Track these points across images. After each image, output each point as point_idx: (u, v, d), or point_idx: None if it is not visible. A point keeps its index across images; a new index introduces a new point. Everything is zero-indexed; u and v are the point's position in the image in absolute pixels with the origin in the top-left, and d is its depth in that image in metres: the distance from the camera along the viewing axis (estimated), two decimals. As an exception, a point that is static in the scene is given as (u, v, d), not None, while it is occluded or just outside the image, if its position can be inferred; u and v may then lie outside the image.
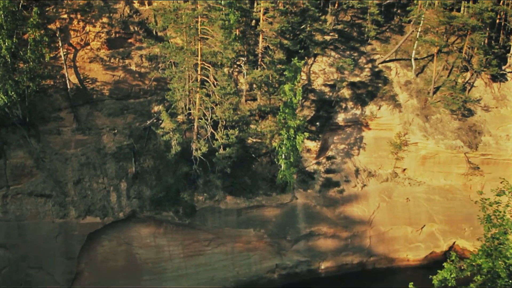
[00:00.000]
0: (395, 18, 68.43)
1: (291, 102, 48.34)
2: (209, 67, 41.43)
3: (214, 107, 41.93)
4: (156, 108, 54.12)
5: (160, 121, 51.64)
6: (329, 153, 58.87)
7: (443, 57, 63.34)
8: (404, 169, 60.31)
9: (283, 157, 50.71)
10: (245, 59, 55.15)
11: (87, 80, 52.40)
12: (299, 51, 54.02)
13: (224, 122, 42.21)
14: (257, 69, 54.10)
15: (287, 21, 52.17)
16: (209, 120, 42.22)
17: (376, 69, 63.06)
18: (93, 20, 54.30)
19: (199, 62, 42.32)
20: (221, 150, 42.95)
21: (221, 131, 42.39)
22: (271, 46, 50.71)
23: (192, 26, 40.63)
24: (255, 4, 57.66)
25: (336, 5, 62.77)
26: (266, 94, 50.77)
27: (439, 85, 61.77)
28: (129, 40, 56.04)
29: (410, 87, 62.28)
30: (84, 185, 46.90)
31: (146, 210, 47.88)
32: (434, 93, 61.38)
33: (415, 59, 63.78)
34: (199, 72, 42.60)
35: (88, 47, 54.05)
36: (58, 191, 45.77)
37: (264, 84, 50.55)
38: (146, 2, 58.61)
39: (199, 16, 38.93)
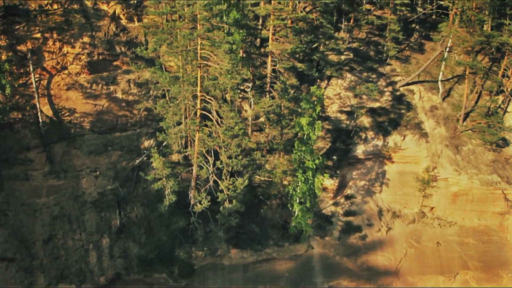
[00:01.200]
0: (414, 34, 59.47)
1: (309, 139, 38.94)
2: (211, 99, 31.94)
3: (218, 150, 32.45)
4: (146, 143, 44.38)
5: (152, 160, 42.06)
6: (348, 191, 49.36)
7: (470, 77, 54.41)
8: (432, 208, 50.96)
9: (298, 201, 41.27)
10: (251, 84, 45.79)
11: (63, 112, 42.47)
12: (313, 74, 44.79)
13: (230, 168, 32.66)
14: (265, 96, 44.68)
15: (300, 41, 42.90)
16: (211, 167, 32.60)
17: (398, 93, 53.80)
18: (72, 40, 44.59)
19: (198, 94, 32.79)
20: (226, 203, 33.22)
21: (226, 179, 32.75)
22: (282, 69, 41.38)
23: (190, 49, 31.25)
24: (260, 20, 48.49)
25: (352, 21, 53.62)
26: (277, 127, 41.28)
27: (468, 111, 52.77)
28: (115, 63, 46.39)
29: (436, 113, 53.05)
30: (56, 243, 36.79)
31: (134, 272, 37.82)
32: (464, 120, 52.28)
33: (441, 80, 54.79)
34: (198, 106, 33.10)
35: (66, 71, 44.15)
36: (24, 252, 35.56)
37: (274, 114, 41.12)
38: (135, 18, 49.11)
39: (199, 38, 29.59)
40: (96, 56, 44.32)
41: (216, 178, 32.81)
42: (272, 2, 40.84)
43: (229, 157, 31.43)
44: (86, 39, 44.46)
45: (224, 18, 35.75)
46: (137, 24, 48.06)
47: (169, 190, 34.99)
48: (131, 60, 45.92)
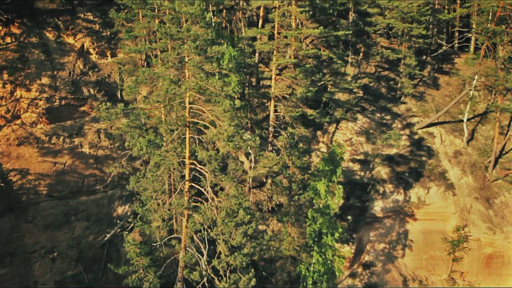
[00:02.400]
0: (426, 67, 51.70)
1: (328, 208, 30.09)
2: (203, 170, 22.77)
3: (215, 236, 23.05)
4: (120, 210, 34.72)
5: (127, 229, 32.28)
6: (366, 258, 40.32)
7: (495, 117, 46.64)
8: (463, 273, 42.29)
9: (312, 282, 32.01)
10: (249, 132, 36.80)
11: (12, 174, 32.98)
12: (326, 120, 36.12)
13: (233, 265, 23.26)
14: (267, 148, 35.66)
15: (310, 82, 34.22)
16: (204, 264, 22.99)
17: (416, 137, 45.50)
18: (28, 82, 35.02)
19: (187, 162, 23.63)
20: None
21: (225, 276, 23.22)
22: (289, 118, 32.59)
23: (176, 101, 22.20)
24: (256, 54, 39.79)
25: (361, 54, 45.44)
26: (284, 192, 32.18)
27: (497, 156, 44.75)
28: (81, 109, 36.91)
29: (461, 160, 44.80)
30: None
31: None
32: (494, 167, 44.21)
33: (460, 120, 46.78)
34: (187, 177, 23.75)
35: (18, 121, 34.47)
36: None
37: (282, 176, 32.12)
38: (108, 53, 39.88)
39: (188, 90, 20.67)
40: (57, 101, 34.73)
41: (211, 275, 23.28)
42: (276, 36, 32.23)
43: (231, 249, 22.04)
44: (45, 80, 34.93)
45: (222, 62, 27.00)
46: (110, 60, 38.79)
47: (148, 284, 25.28)
48: (102, 103, 36.46)
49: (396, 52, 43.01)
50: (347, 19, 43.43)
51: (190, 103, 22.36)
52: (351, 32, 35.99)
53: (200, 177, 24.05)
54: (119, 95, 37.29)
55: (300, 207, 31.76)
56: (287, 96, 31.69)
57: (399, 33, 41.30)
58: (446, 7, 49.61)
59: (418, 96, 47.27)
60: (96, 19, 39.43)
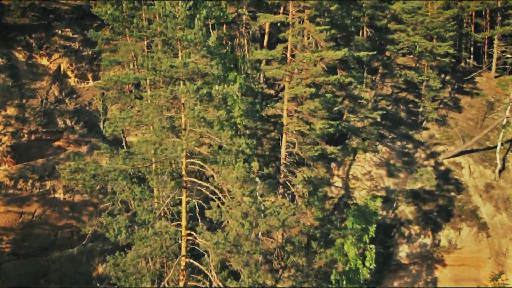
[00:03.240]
0: (446, 86, 46.11)
1: (357, 273, 24.12)
2: (205, 244, 16.78)
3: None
4: (101, 268, 28.42)
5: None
6: (391, 313, 34.46)
7: (525, 145, 41.11)
8: (499, 326, 36.52)
9: None
10: (257, 173, 30.74)
11: (-34, 229, 26.40)
12: (348, 157, 30.33)
13: None
14: (277, 191, 29.53)
15: (329, 113, 28.24)
16: None
17: (442, 168, 39.75)
18: (-11, 112, 28.88)
19: (183, 233, 17.58)
20: None
21: None
22: (305, 156, 26.58)
23: (169, 157, 16.35)
24: (261, 75, 33.93)
25: (378, 76, 39.62)
26: (301, 251, 25.89)
27: (532, 189, 39.13)
28: (56, 144, 30.73)
29: (493, 194, 39.07)
30: None
31: None
32: (531, 203, 38.57)
33: (488, 148, 41.21)
34: (183, 252, 17.72)
35: (-24, 162, 28.41)
36: None
37: (300, 233, 26.02)
38: (89, 76, 33.69)
39: (185, 151, 14.87)
40: (25, 135, 28.44)
41: None
42: (289, 59, 26.29)
43: None
44: (11, 111, 28.65)
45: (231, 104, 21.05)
46: (92, 84, 32.63)
47: None
48: (82, 136, 30.28)
49: (419, 73, 37.29)
50: (360, 35, 37.72)
51: (188, 155, 16.30)
52: (375, 53, 30.21)
53: (200, 250, 17.92)
54: (101, 126, 31.08)
55: (320, 267, 25.73)
56: (305, 131, 25.73)
57: (424, 52, 35.58)
58: (471, 21, 44.12)
59: (440, 120, 41.54)
60: (76, 35, 33.25)
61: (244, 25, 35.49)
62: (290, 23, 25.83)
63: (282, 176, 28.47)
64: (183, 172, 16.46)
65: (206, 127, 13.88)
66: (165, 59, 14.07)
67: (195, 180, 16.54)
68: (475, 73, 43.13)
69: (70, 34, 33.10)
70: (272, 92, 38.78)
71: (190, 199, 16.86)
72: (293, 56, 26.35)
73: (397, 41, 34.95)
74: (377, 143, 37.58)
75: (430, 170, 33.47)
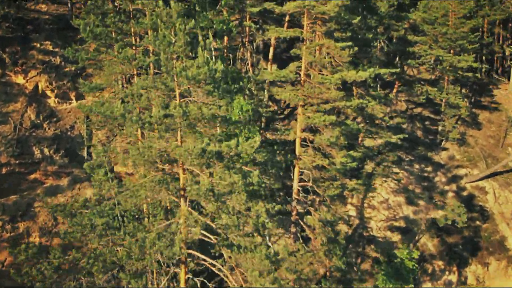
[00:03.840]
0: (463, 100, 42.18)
1: None
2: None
3: None
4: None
5: None
6: None
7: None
8: None
9: None
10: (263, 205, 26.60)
11: None
12: (359, 190, 26.30)
13: None
14: (289, 230, 25.33)
15: (348, 141, 24.20)
16: None
17: (465, 193, 35.99)
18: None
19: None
20: None
21: None
22: (323, 194, 22.49)
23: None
24: (266, 93, 29.87)
25: (394, 92, 35.58)
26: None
27: None
28: (32, 177, 26.34)
29: (521, 223, 35.49)
30: None
31: None
32: (563, 232, 34.83)
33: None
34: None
35: None
36: None
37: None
38: (72, 95, 29.33)
39: (182, 244, 10.94)
40: (-6, 168, 24.19)
41: None
42: (303, 79, 22.27)
43: None
44: (-23, 140, 24.38)
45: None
46: (75, 105, 28.33)
47: None
48: (61, 167, 25.92)
49: (439, 89, 33.41)
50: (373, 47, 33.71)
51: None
52: (398, 70, 26.27)
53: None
54: (85, 154, 26.77)
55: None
56: (324, 164, 21.62)
57: (446, 66, 31.66)
58: (490, 30, 40.29)
59: (460, 138, 37.65)
60: (56, 49, 28.93)
61: (247, 36, 31.38)
62: (305, 38, 21.74)
63: (294, 213, 24.34)
64: (182, 245, 12.20)
65: (216, 201, 9.80)
66: (157, 102, 9.89)
67: (196, 253, 12.33)
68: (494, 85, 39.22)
69: (50, 48, 28.79)
70: (277, 109, 34.74)
71: (190, 276, 12.66)
72: (307, 75, 22.28)
73: (418, 55, 30.96)
74: (394, 167, 33.68)
75: (460, 205, 29.36)
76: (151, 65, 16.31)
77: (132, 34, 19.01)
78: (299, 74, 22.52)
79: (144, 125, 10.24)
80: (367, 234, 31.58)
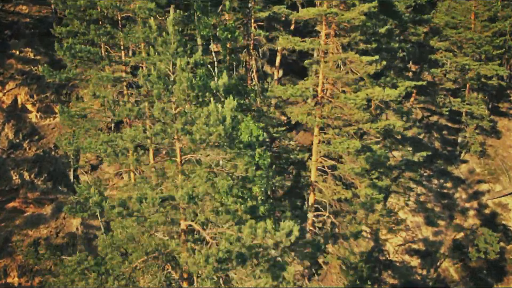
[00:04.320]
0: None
1: None
2: None
3: None
4: None
5: None
6: None
7: None
8: None
9: None
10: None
11: None
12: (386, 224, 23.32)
13: None
14: (302, 265, 22.29)
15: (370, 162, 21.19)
16: None
17: (487, 211, 33.20)
18: None
19: None
20: None
21: None
22: (345, 231, 19.45)
23: None
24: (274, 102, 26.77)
25: (411, 101, 32.37)
26: None
27: None
28: (9, 205, 23.05)
29: (548, 243, 32.76)
30: None
31: None
32: None
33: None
34: None
35: None
36: None
37: None
38: (56, 108, 25.97)
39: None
40: (-34, 198, 20.97)
41: None
42: (320, 95, 19.17)
43: None
44: None
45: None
46: (59, 120, 25.05)
47: None
48: (43, 196, 22.72)
49: (463, 99, 30.40)
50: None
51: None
52: (425, 83, 23.23)
53: None
54: (71, 177, 23.54)
55: None
56: (347, 198, 18.59)
57: (473, 76, 28.56)
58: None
59: (480, 150, 34.69)
60: (38, 57, 25.56)
61: (252, 40, 28.07)
62: (322, 50, 18.56)
63: (310, 233, 21.34)
64: None
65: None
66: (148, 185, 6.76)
67: None
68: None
69: (31, 56, 25.41)
70: (283, 118, 31.59)
71: None
72: (325, 92, 19.15)
73: (441, 62, 27.84)
74: (412, 183, 30.69)
75: (489, 231, 26.46)
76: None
77: (121, 47, 15.75)
78: (315, 91, 19.41)
79: (138, 218, 7.25)
80: (383, 258, 28.68)
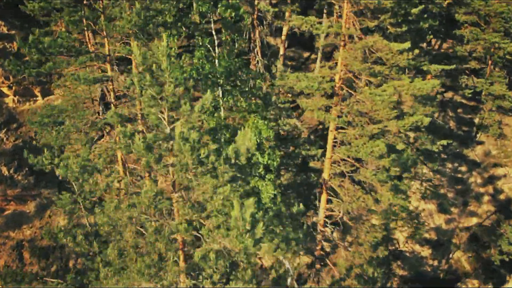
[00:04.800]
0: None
1: None
2: None
3: None
4: None
5: None
6: None
7: None
8: None
9: None
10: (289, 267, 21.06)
11: None
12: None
13: None
14: (312, 265, 20.15)
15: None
16: None
17: (502, 197, 31.32)
18: None
19: None
20: None
21: None
22: (363, 240, 17.39)
23: None
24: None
25: (429, 76, 29.34)
26: None
27: None
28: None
29: None
30: None
31: None
32: None
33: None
34: None
35: None
36: None
37: None
38: (36, 91, 22.80)
39: None
40: None
41: None
42: (337, 84, 16.49)
43: None
44: None
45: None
46: (41, 103, 22.17)
47: None
48: (25, 192, 20.28)
49: (485, 78, 27.64)
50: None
51: None
52: (454, 67, 20.42)
53: None
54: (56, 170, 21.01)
55: None
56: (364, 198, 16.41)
57: (503, 55, 25.65)
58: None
59: (498, 131, 32.32)
60: (13, 31, 22.30)
61: (255, 14, 24.76)
62: (345, 34, 15.66)
63: (318, 248, 19.39)
64: None
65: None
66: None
67: None
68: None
69: (5, 30, 22.12)
70: (289, 98, 28.73)
71: None
72: (344, 82, 16.44)
73: (466, 39, 24.84)
74: (420, 165, 28.49)
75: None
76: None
77: (106, 36, 12.75)
78: (332, 79, 16.65)
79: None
80: (393, 248, 27.02)
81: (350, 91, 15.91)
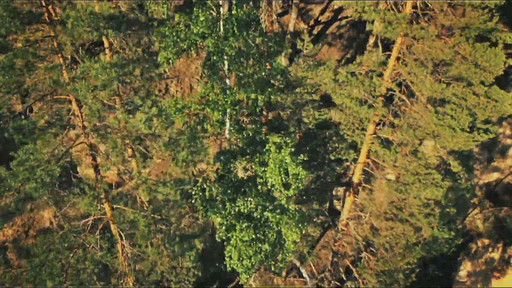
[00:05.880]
0: None
1: None
2: None
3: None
4: None
5: None
6: None
7: None
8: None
9: None
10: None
11: None
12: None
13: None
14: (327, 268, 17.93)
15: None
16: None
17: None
18: None
19: None
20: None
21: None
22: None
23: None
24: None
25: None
26: None
27: None
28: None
29: None
30: None
31: None
32: None
33: None
34: None
35: None
36: None
37: None
38: None
39: None
40: None
41: None
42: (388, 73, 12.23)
43: None
44: None
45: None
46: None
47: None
48: None
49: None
50: None
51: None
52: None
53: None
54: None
55: None
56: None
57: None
58: None
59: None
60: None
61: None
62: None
63: (338, 244, 17.36)
64: None
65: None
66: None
67: None
68: None
69: None
70: (305, 27, 23.63)
71: None
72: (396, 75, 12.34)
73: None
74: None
75: None
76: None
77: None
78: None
79: None
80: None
81: (404, 97, 11.92)
